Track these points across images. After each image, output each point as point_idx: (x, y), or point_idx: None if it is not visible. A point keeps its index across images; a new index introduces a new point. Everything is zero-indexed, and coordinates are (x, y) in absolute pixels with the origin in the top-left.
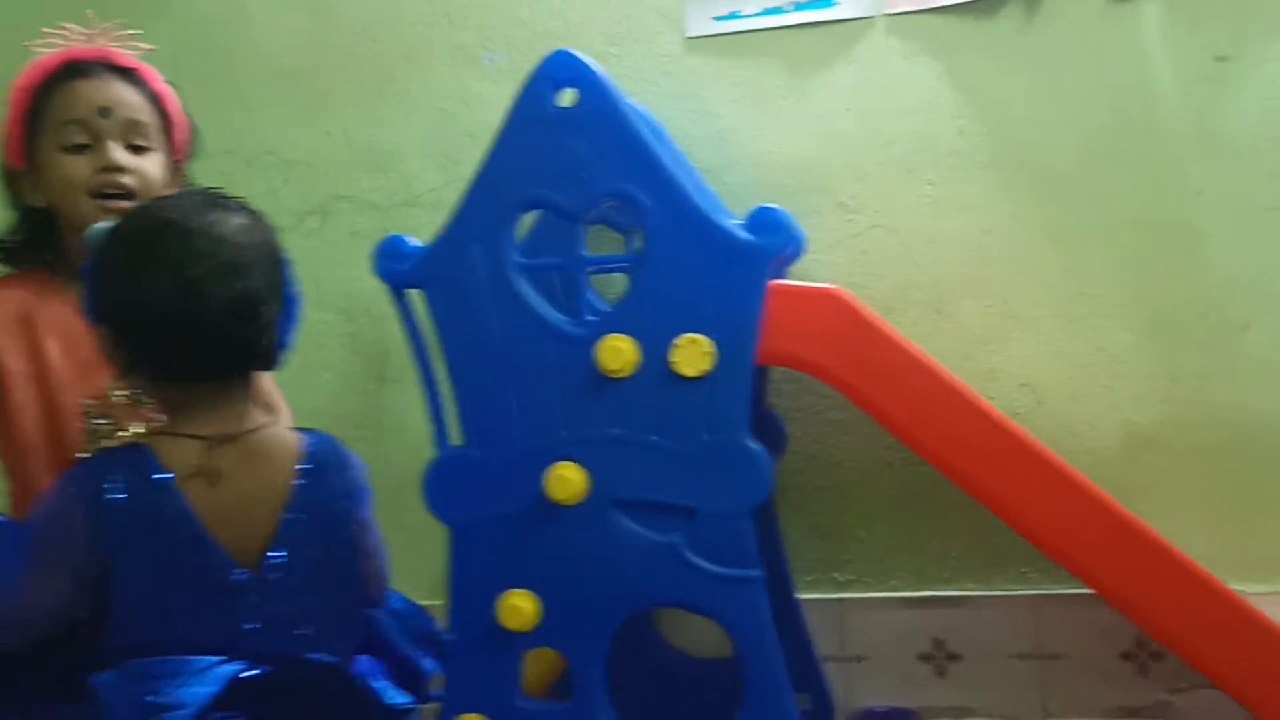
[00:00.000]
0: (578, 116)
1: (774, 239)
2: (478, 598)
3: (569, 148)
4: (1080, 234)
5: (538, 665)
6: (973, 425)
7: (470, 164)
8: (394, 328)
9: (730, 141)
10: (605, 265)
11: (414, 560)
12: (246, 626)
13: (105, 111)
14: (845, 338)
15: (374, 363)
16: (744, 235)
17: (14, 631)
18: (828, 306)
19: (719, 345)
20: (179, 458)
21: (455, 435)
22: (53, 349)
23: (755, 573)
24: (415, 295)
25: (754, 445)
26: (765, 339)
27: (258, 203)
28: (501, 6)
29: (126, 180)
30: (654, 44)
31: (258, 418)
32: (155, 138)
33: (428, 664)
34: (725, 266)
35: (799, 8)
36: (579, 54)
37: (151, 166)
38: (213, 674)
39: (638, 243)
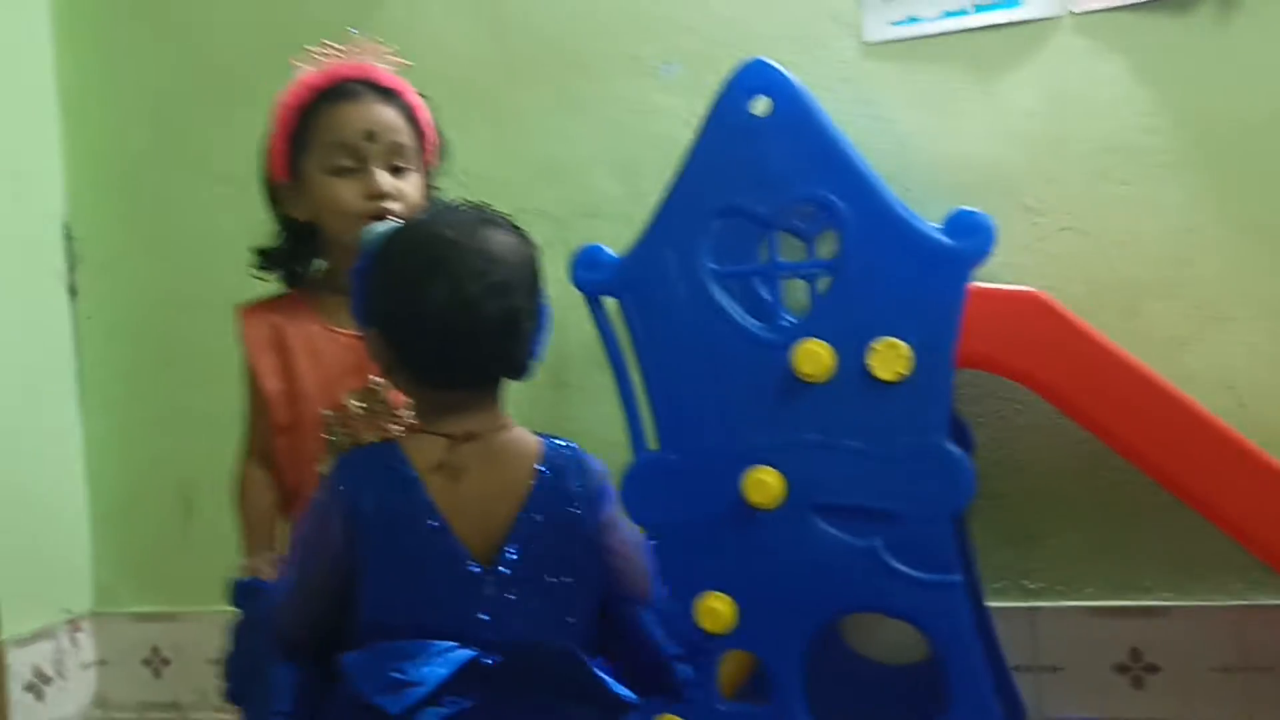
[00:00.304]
0: (772, 124)
1: (974, 242)
2: (675, 600)
3: (764, 155)
4: None
5: (725, 668)
6: (1184, 427)
7: (649, 175)
8: (574, 335)
9: (910, 146)
10: (800, 270)
11: None
12: (479, 616)
13: (371, 136)
14: (1048, 341)
15: (554, 369)
16: (943, 238)
17: (288, 631)
18: (1029, 309)
19: (917, 349)
20: (426, 454)
21: (650, 440)
22: (302, 366)
23: (957, 578)
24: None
25: (954, 449)
26: (964, 342)
27: None
28: (677, 18)
29: (392, 205)
30: (831, 51)
31: (502, 419)
32: (413, 158)
33: (683, 669)
34: (924, 270)
35: (980, 9)
36: (772, 62)
37: (411, 188)
38: (448, 657)
39: (824, 248)
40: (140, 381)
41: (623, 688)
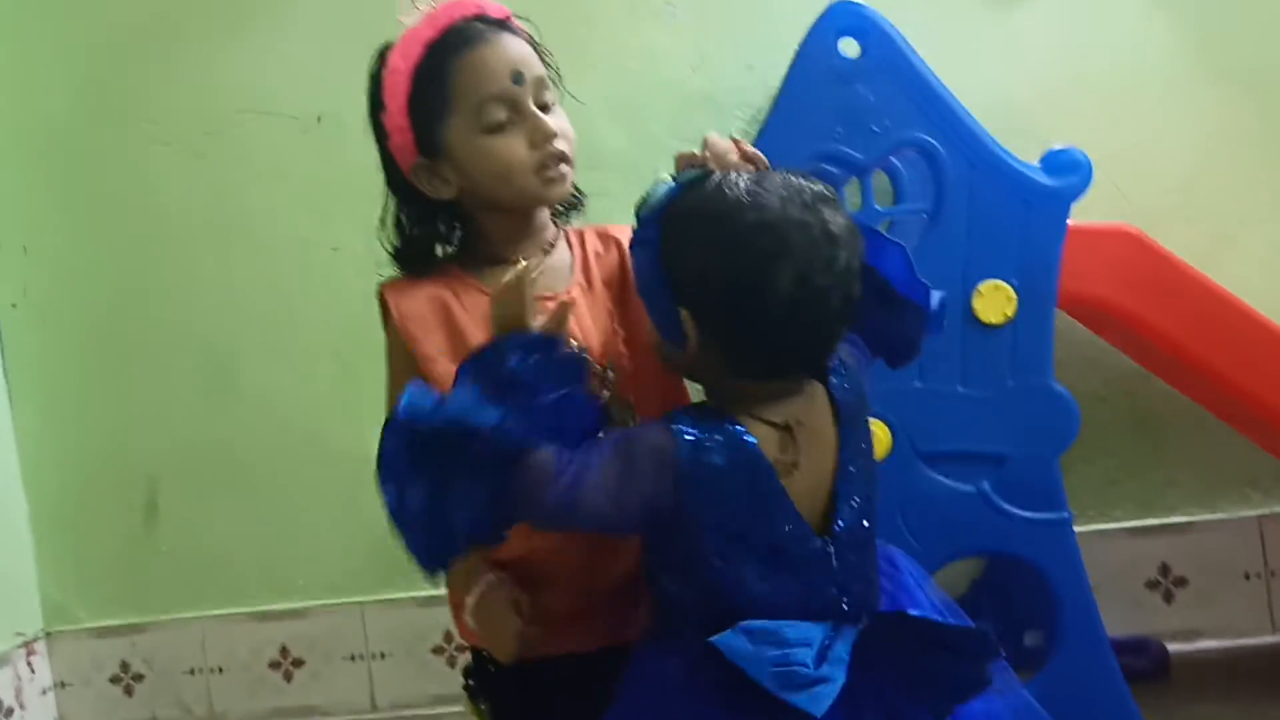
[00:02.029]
0: (864, 66)
1: (1073, 180)
2: None
3: (858, 99)
4: None
5: None
6: (1266, 346)
7: (658, 121)
8: None
9: None
10: (899, 215)
11: None
12: (830, 590)
13: (518, 77)
14: (1144, 275)
15: None
16: (1043, 178)
17: (572, 520)
18: (1124, 244)
19: (1020, 290)
20: (765, 441)
21: None
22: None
23: (1066, 514)
24: None
25: (1061, 388)
26: (1063, 281)
27: None
28: None
29: (563, 146)
30: None
31: (813, 392)
32: (553, 87)
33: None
34: (1024, 210)
35: None
36: (861, 2)
37: (565, 123)
38: (838, 646)
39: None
40: (81, 373)
41: (980, 629)
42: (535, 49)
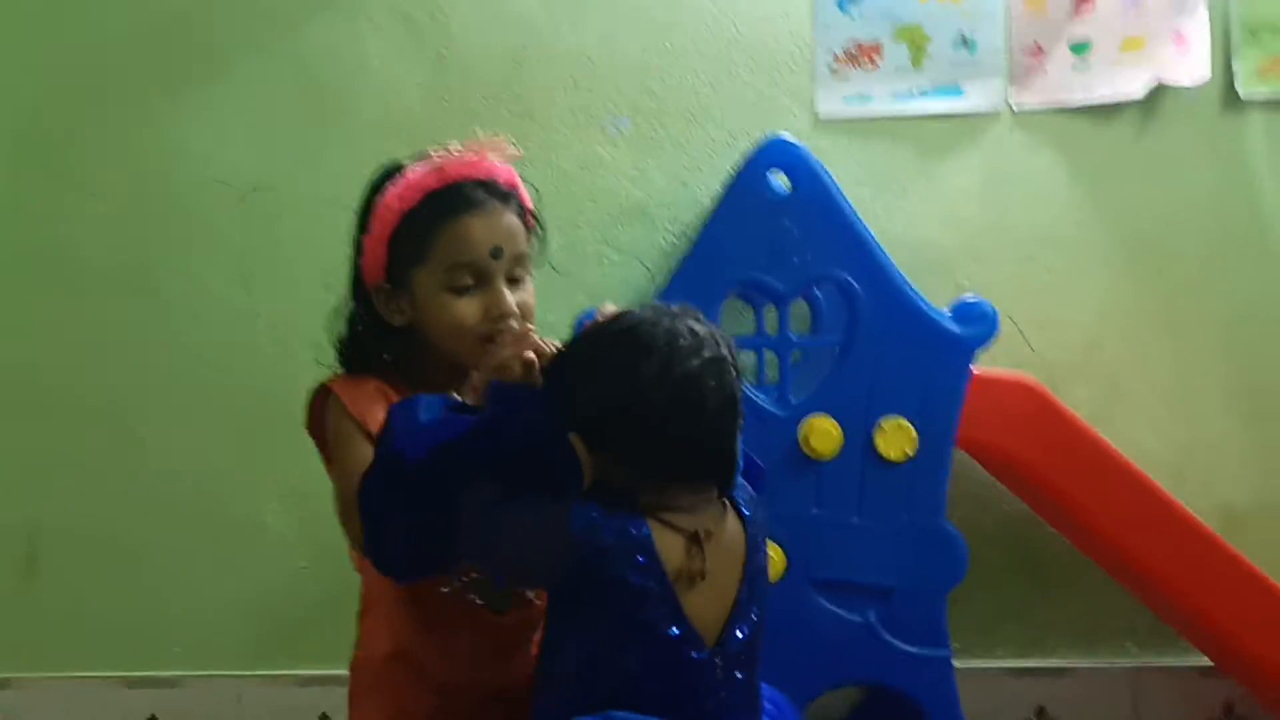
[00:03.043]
0: (793, 201)
1: (979, 330)
2: None
3: (784, 231)
4: (1189, 323)
5: None
6: (1150, 508)
7: (591, 227)
8: None
9: None
10: (812, 345)
11: None
12: (705, 704)
13: (497, 252)
14: (1039, 426)
15: None
16: (952, 326)
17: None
18: (1021, 395)
19: (921, 430)
20: (670, 550)
21: None
22: None
23: (947, 651)
24: None
25: (953, 528)
26: (963, 425)
27: None
28: (632, 76)
29: (513, 325)
30: (784, 123)
31: (723, 506)
32: (530, 262)
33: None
34: (931, 354)
35: (926, 95)
36: (792, 138)
37: (528, 296)
38: None
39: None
40: None
41: None
42: (527, 220)
